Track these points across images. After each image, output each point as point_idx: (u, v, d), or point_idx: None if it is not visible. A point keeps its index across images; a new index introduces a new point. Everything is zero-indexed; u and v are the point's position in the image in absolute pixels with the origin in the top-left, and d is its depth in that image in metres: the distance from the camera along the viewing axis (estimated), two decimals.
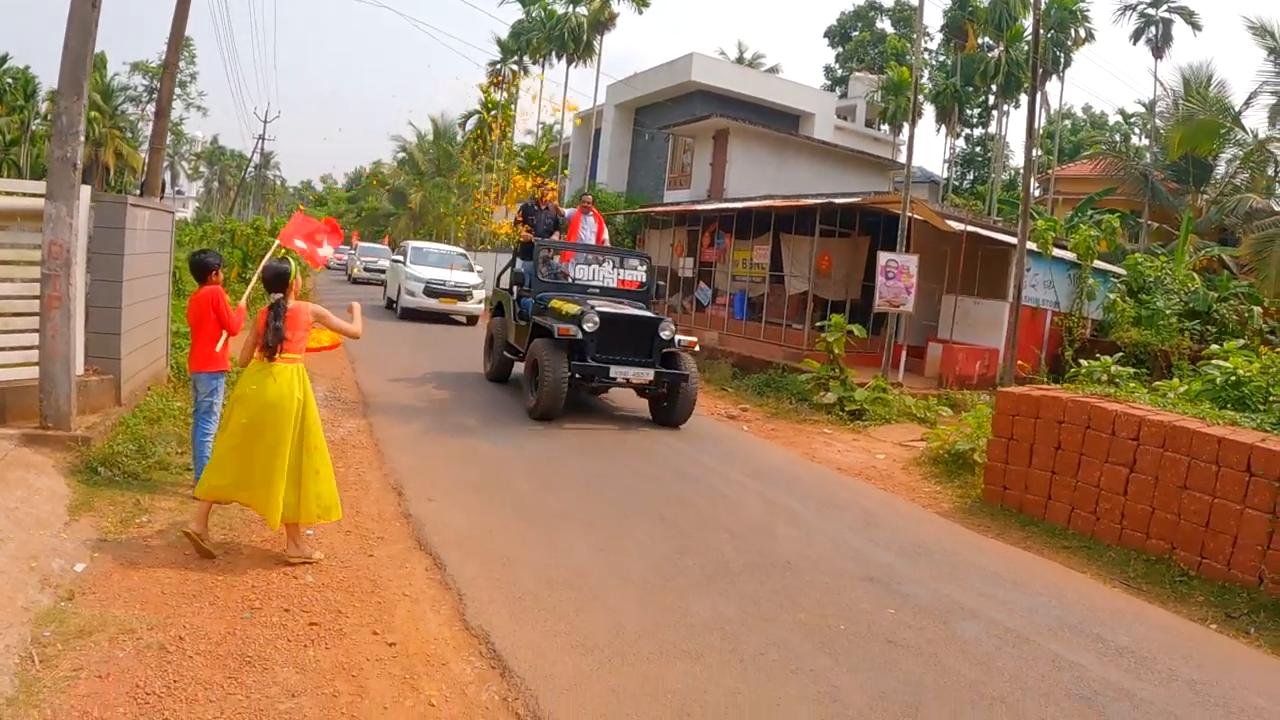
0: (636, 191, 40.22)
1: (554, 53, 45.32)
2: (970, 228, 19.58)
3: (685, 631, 5.43)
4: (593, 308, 11.73)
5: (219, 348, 6.95)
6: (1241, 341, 11.80)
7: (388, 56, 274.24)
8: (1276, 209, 25.52)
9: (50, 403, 7.45)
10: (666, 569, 6.56)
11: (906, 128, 23.74)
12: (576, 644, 5.07)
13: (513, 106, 55.87)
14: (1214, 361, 10.31)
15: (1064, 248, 21.91)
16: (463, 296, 24.71)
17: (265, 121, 59.48)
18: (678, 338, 12.21)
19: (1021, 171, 19.47)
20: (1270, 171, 25.24)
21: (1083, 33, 42.80)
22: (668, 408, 12.37)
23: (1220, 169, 30.99)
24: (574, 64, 44.63)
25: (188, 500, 6.59)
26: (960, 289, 20.23)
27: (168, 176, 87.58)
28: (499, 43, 52.18)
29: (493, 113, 54.01)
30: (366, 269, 43.11)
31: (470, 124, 58.97)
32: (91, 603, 4.90)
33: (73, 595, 4.96)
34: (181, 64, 65.32)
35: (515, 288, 14.40)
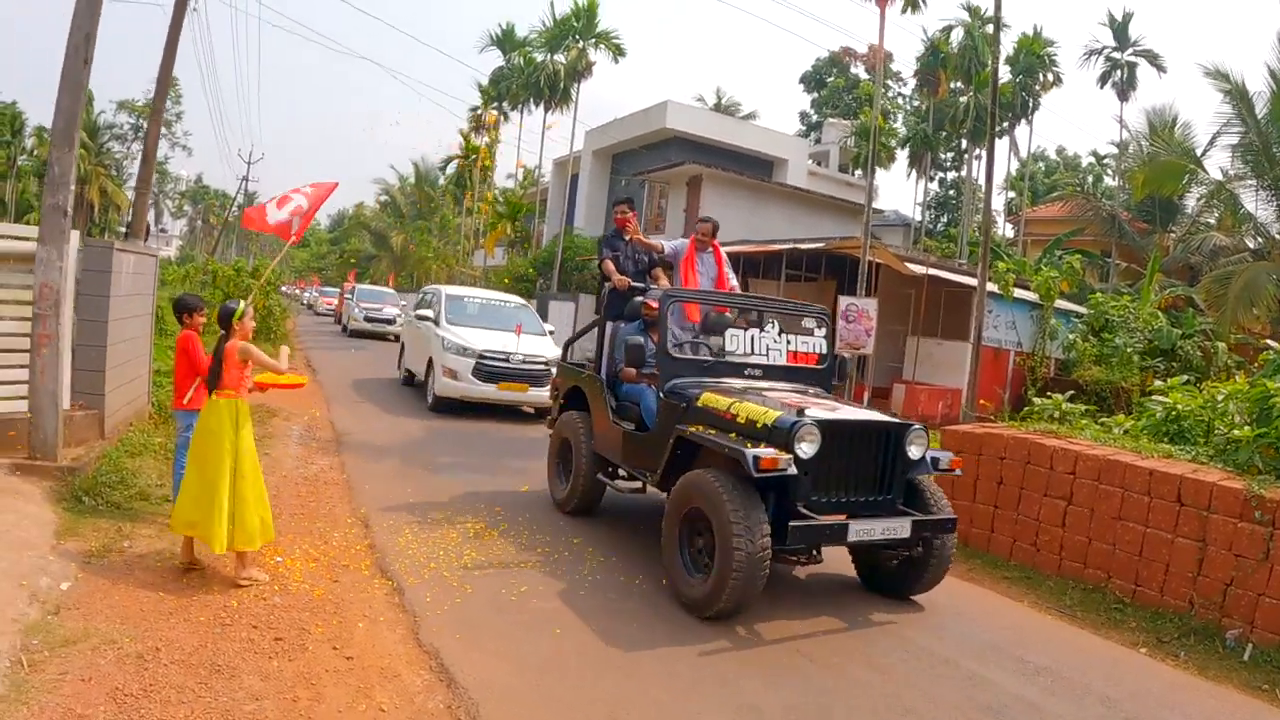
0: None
1: (532, 99, 45.89)
2: (931, 270, 20.11)
3: (619, 649, 5.87)
4: (800, 412, 6.71)
5: (193, 387, 7.31)
6: (1186, 378, 12.21)
7: (374, 101, 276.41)
8: (1248, 245, 26.12)
9: (39, 435, 7.80)
10: (610, 592, 6.99)
11: (874, 173, 24.35)
12: (518, 661, 5.48)
13: (493, 151, 56.47)
14: (1155, 397, 10.72)
15: (1027, 288, 22.42)
16: (536, 379, 15.24)
17: (249, 163, 59.73)
18: (930, 454, 7.39)
19: (991, 213, 19.99)
20: (1236, 210, 25.83)
21: (1050, 77, 43.52)
22: (905, 569, 7.53)
23: (1190, 207, 31.62)
24: (552, 110, 45.20)
25: (166, 528, 6.87)
26: (924, 331, 20.76)
27: (151, 215, 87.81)
28: (480, 88, 52.90)
29: (473, 157, 54.67)
30: (369, 318, 34.25)
31: (451, 168, 59.55)
32: (76, 617, 5.25)
33: (59, 610, 5.31)
34: (167, 104, 65.72)
35: (603, 366, 9.29)
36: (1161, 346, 20.47)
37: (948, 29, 43.14)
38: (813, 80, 69.42)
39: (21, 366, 8.08)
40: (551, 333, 17.87)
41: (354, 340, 32.05)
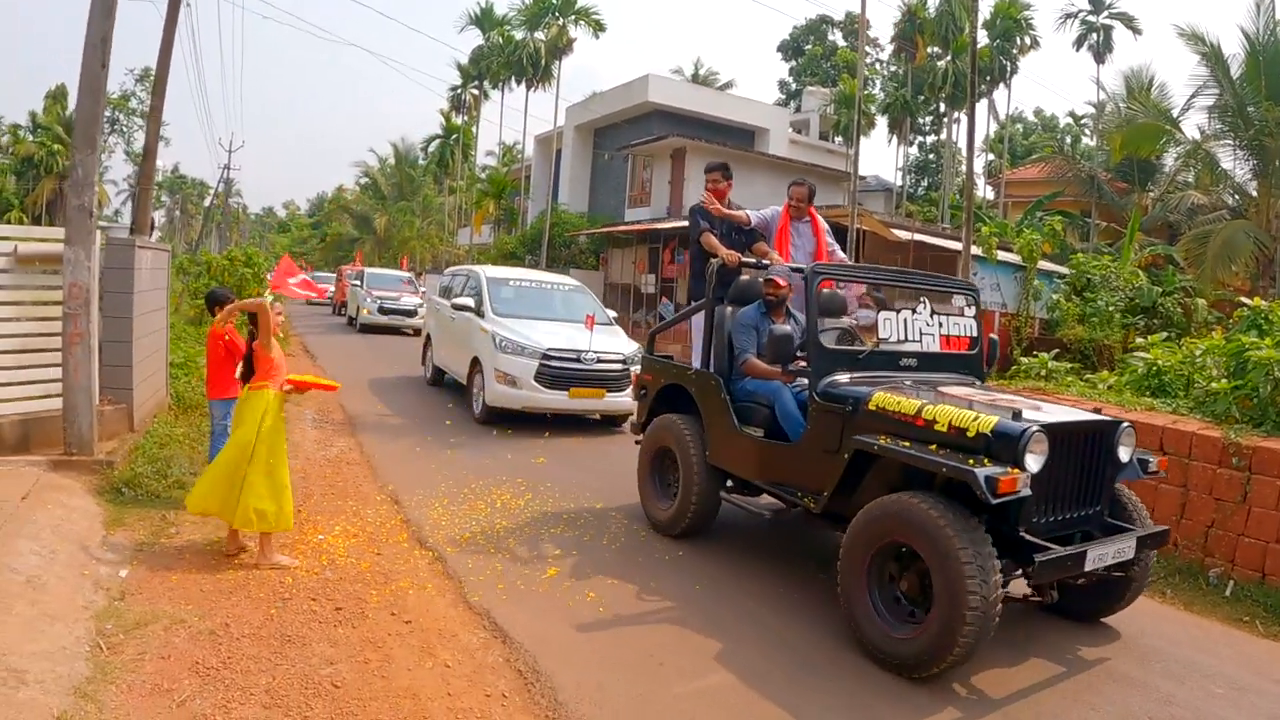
0: (598, 211, 41.04)
1: (513, 78, 46.06)
2: (917, 236, 20.51)
3: (659, 601, 6.36)
4: (1016, 415, 5.40)
5: (232, 376, 7.59)
6: (1165, 335, 12.68)
7: (351, 83, 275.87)
8: (1227, 202, 26.65)
9: (74, 431, 8.09)
10: (638, 554, 7.41)
11: (859, 142, 24.68)
12: (566, 617, 5.91)
13: (474, 129, 56.59)
14: (1137, 354, 11.21)
15: (1009, 250, 22.88)
16: (614, 382, 12.61)
17: (230, 151, 59.19)
18: (1137, 456, 6.36)
19: (973, 177, 20.39)
20: (1214, 169, 26.44)
21: (1028, 40, 43.94)
22: (1098, 589, 6.35)
23: (1168, 166, 32.12)
24: (533, 88, 45.40)
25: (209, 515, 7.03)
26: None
27: (130, 208, 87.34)
28: (459, 68, 53.13)
29: (454, 136, 54.79)
30: (385, 309, 28.14)
31: (432, 147, 59.66)
32: (141, 601, 5.57)
33: (123, 595, 5.62)
34: (142, 94, 65.12)
35: (711, 359, 7.80)
36: (1143, 304, 20.93)
37: None
38: (790, 48, 69.68)
39: (48, 366, 8.39)
40: (615, 319, 15.04)
41: (365, 341, 25.88)
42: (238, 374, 7.14)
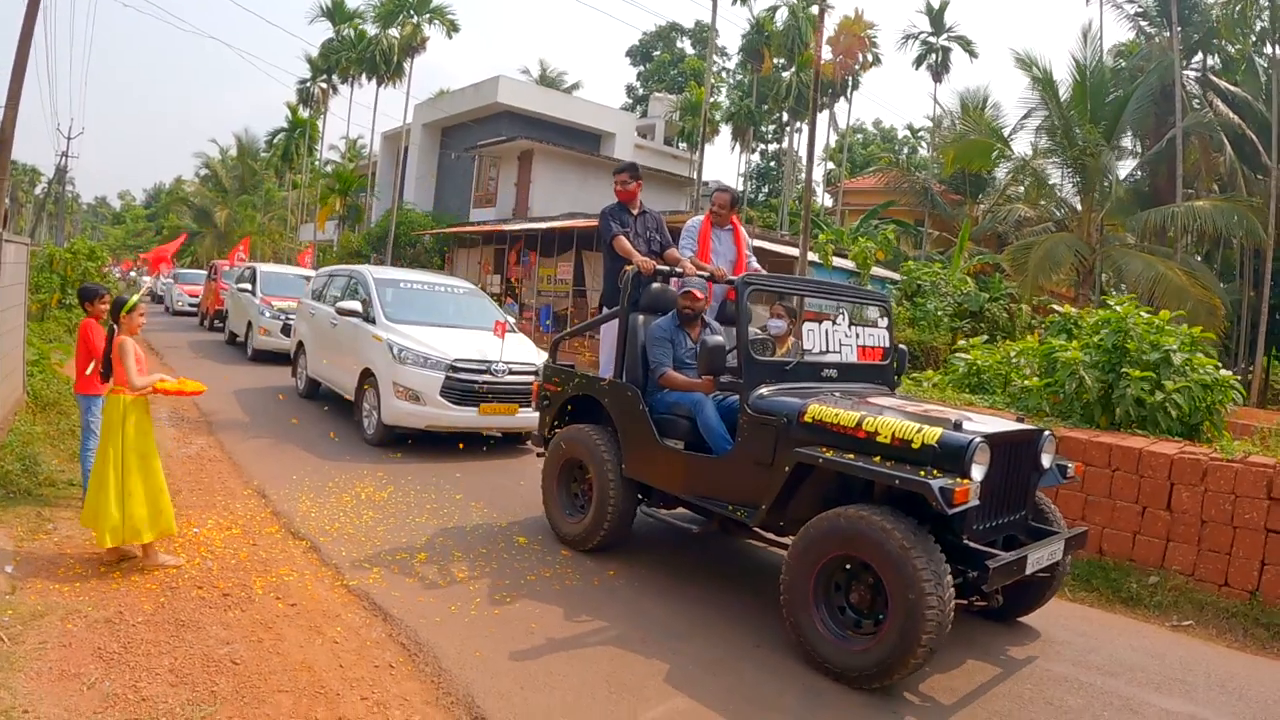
0: (443, 210, 41.16)
1: (365, 73, 45.71)
2: (755, 242, 21.33)
3: (527, 576, 7.02)
4: (957, 426, 5.64)
5: (88, 372, 7.55)
6: (985, 338, 13.72)
7: (195, 74, 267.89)
8: (1055, 214, 28.36)
9: None
10: (499, 536, 8.01)
11: (703, 150, 25.47)
12: (440, 596, 6.45)
13: (320, 123, 55.87)
14: (959, 355, 12.23)
15: (845, 256, 23.98)
16: (527, 396, 10.97)
17: (69, 138, 56.10)
18: (1056, 463, 6.64)
19: (811, 186, 21.30)
20: (1041, 185, 28.22)
21: (871, 57, 45.51)
22: (1018, 590, 6.52)
23: (999, 180, 33.87)
24: (384, 85, 45.17)
25: (80, 512, 7.04)
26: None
27: None
28: (309, 61, 52.26)
29: (299, 130, 54.03)
30: (291, 327, 17.42)
31: (277, 140, 58.64)
32: (32, 594, 5.74)
33: (14, 590, 5.77)
34: None
35: (624, 369, 7.66)
36: (970, 309, 22.11)
37: (773, 8, 44.81)
38: (639, 54, 70.62)
39: None
40: (515, 325, 13.79)
41: (252, 371, 18.26)
42: (92, 370, 7.26)
